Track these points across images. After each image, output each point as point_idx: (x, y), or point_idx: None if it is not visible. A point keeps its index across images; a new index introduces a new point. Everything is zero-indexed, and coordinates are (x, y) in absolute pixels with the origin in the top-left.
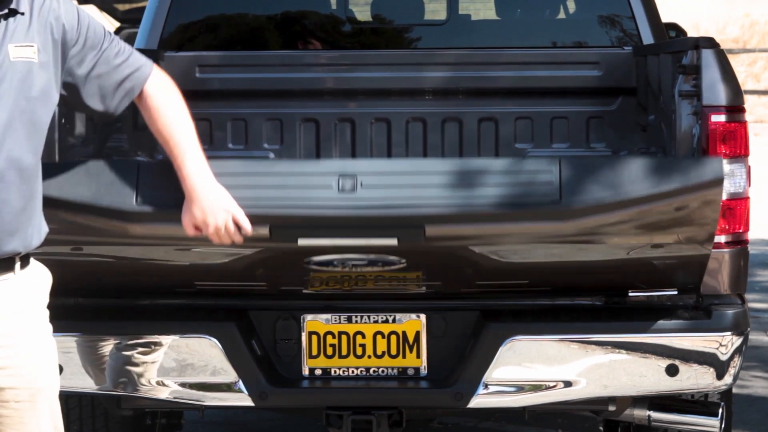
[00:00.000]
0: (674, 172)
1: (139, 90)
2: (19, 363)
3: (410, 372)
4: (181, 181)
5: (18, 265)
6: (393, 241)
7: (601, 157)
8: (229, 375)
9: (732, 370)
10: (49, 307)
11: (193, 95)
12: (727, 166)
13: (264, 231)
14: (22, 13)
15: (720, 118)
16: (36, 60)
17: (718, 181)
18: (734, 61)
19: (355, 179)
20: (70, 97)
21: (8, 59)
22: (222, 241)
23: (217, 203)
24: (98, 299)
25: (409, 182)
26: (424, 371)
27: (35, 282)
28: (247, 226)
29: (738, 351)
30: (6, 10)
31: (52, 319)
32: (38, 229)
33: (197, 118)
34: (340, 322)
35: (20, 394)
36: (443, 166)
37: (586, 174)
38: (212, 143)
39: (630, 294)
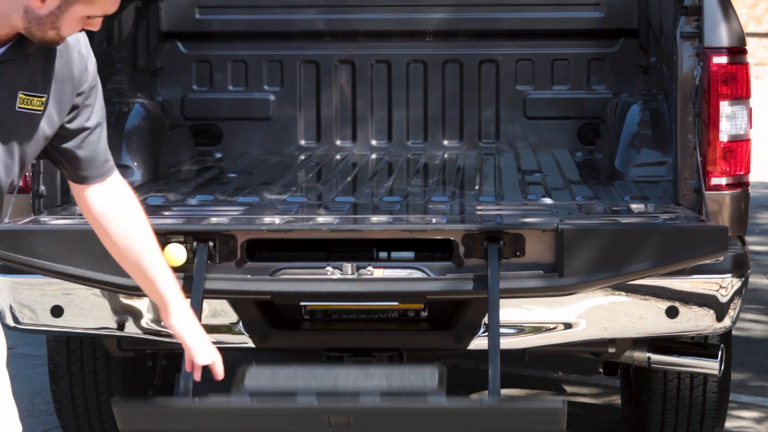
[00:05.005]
0: None
1: (106, 178)
2: None
3: (411, 314)
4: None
5: None
6: None
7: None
8: (230, 316)
9: (732, 313)
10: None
11: (193, 37)
12: (728, 108)
13: None
14: (28, 54)
15: (722, 59)
16: (41, 112)
17: None
18: (736, 2)
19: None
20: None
21: (14, 107)
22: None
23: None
24: None
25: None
26: (424, 313)
27: None
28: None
29: (738, 293)
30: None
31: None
32: None
33: (197, 60)
34: None
35: None
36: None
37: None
38: (212, 85)
39: None
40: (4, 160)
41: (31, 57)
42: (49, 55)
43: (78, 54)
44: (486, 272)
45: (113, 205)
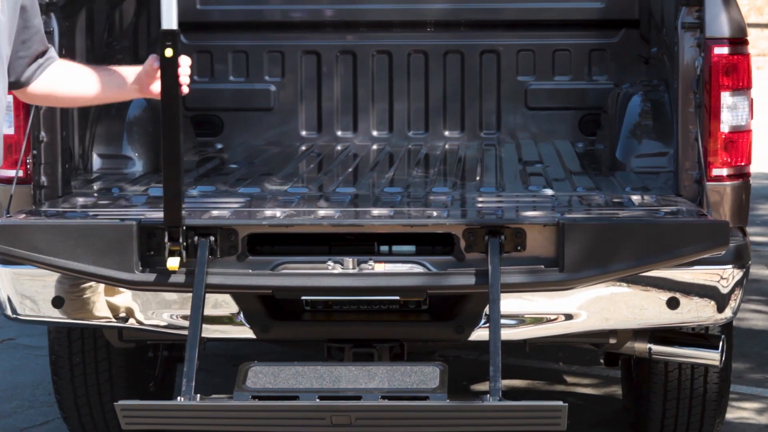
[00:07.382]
0: None
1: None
2: None
3: (411, 305)
4: (125, 83)
5: None
6: None
7: None
8: (231, 307)
9: (733, 304)
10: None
11: (194, 27)
12: (729, 99)
13: None
14: None
15: (723, 50)
16: None
17: None
18: None
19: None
20: None
21: None
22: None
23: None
24: None
25: None
26: (425, 305)
27: None
28: None
29: (739, 284)
30: None
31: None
32: None
33: (198, 50)
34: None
35: None
36: None
37: None
38: (213, 76)
39: None
40: None
41: None
42: None
43: None
44: (487, 267)
45: (58, 82)
